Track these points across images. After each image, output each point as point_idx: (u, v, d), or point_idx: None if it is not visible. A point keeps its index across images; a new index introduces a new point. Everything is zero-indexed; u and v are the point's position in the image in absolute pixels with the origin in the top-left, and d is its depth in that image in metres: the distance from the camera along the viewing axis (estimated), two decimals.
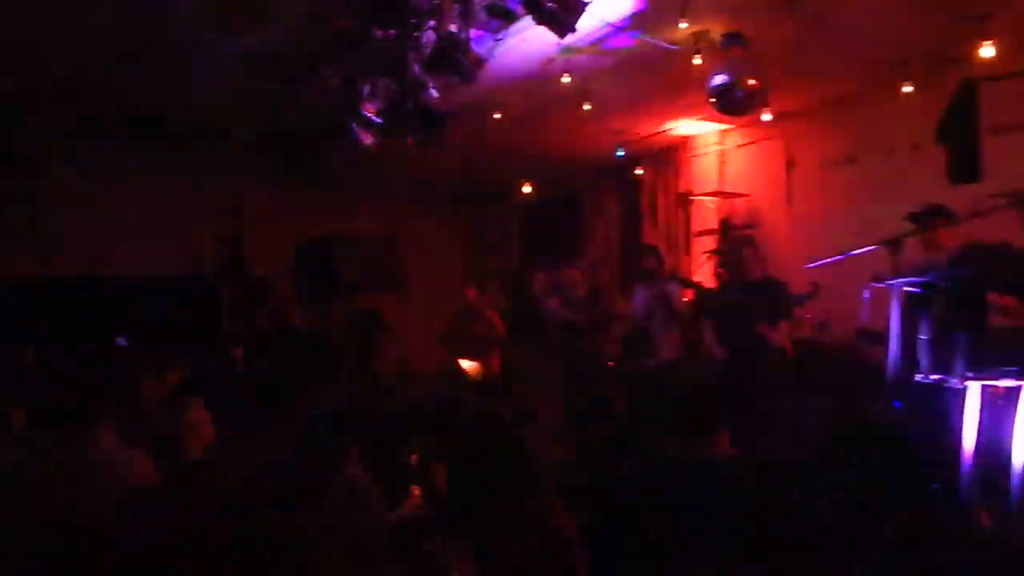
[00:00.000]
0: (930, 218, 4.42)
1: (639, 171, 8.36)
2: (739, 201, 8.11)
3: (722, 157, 8.39)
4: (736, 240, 5.73)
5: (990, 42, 4.88)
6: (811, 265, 5.03)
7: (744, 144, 8.17)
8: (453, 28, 4.49)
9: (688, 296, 6.51)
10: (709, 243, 8.13)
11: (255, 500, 1.47)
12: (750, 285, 5.57)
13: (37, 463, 2.03)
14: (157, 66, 5.71)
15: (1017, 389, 3.42)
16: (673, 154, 8.88)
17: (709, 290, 6.10)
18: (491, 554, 1.77)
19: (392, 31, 4.66)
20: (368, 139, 5.53)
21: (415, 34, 4.65)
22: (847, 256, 4.65)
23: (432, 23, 4.46)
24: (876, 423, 4.36)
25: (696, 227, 8.48)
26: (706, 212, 8.42)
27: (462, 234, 11.45)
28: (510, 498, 2.05)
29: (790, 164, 7.83)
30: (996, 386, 3.57)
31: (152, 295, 8.58)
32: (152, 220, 9.33)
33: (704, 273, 7.74)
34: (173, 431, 3.75)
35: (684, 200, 8.57)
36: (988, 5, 4.76)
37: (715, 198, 8.25)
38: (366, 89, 5.14)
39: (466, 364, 7.15)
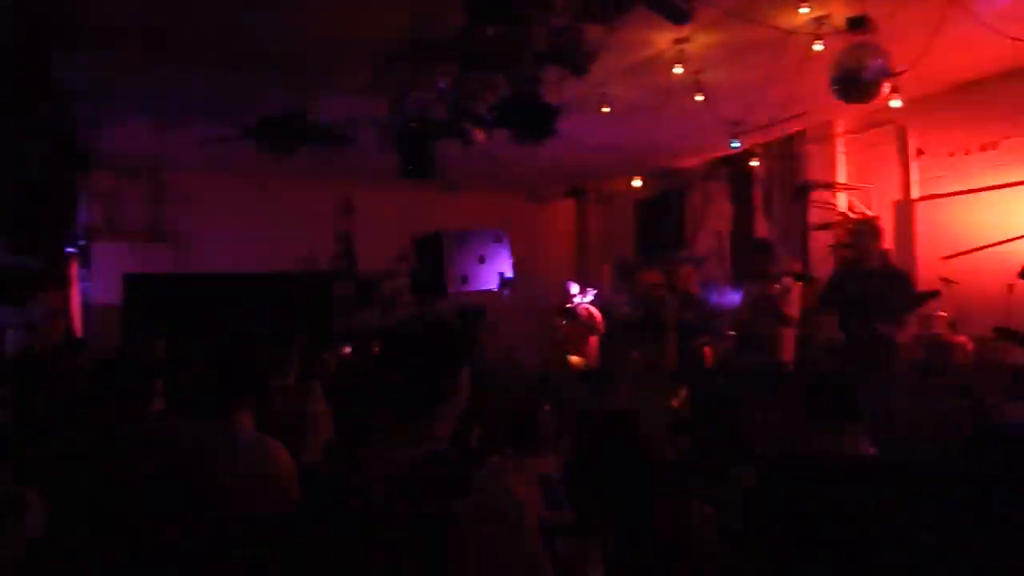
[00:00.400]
0: None
1: (754, 163, 8.07)
2: (861, 193, 7.72)
3: (843, 147, 8.00)
4: (859, 226, 5.38)
5: None
6: (947, 257, 4.70)
7: (866, 132, 7.76)
8: (565, 22, 4.46)
9: (797, 292, 6.19)
10: (827, 237, 7.77)
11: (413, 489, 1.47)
12: (871, 275, 5.26)
13: (185, 447, 2.14)
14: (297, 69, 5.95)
15: None
16: (790, 145, 8.54)
17: (829, 282, 5.80)
18: (621, 555, 1.74)
19: (503, 27, 4.67)
20: (480, 136, 5.58)
21: (527, 29, 4.65)
22: (986, 248, 4.33)
23: (546, 17, 4.45)
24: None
25: (814, 220, 8.12)
26: (825, 205, 8.04)
27: (571, 228, 11.44)
28: (638, 497, 2.00)
29: (918, 152, 7.38)
30: None
31: (267, 290, 8.99)
32: (269, 219, 9.82)
33: (823, 268, 7.40)
34: (299, 423, 3.91)
35: (802, 192, 8.22)
36: None
37: (835, 190, 7.87)
38: (478, 86, 5.19)
39: (572, 358, 7.14)
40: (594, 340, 7.85)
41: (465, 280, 7.41)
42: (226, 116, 6.95)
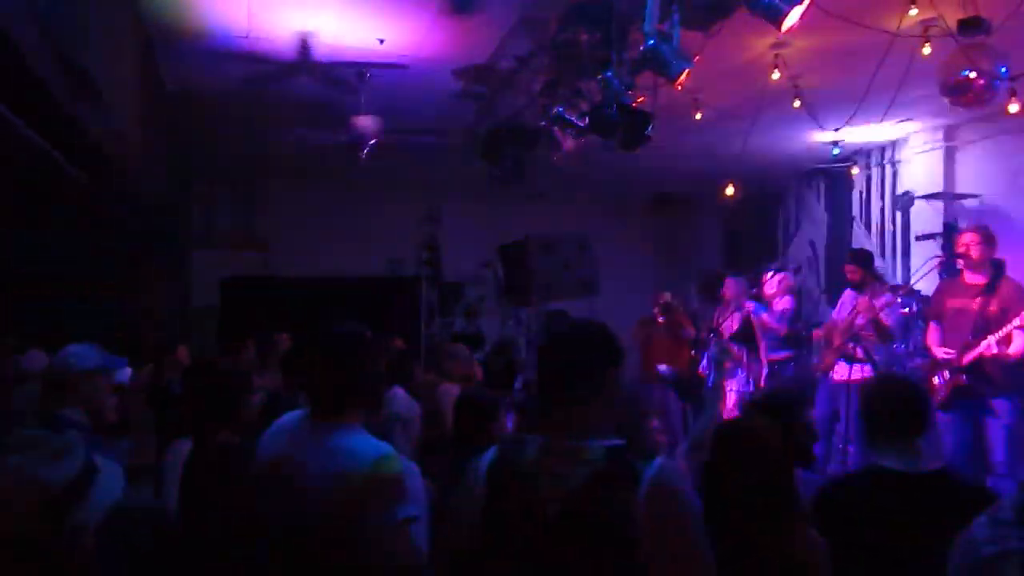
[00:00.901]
0: None
1: (854, 170, 7.79)
2: (969, 203, 7.33)
3: (949, 155, 7.62)
4: (968, 235, 5.10)
5: None
6: None
7: (977, 140, 7.37)
8: (662, 27, 4.40)
9: (881, 307, 5.91)
10: (931, 248, 7.41)
11: None
12: (978, 287, 4.97)
13: (306, 451, 2.17)
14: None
15: None
16: (892, 152, 8.20)
17: (934, 295, 5.52)
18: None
19: (598, 33, 4.66)
20: (568, 143, 5.57)
21: (621, 35, 4.62)
22: None
23: (641, 24, 4.40)
24: None
25: (916, 231, 7.77)
26: (929, 215, 7.68)
27: (659, 236, 11.31)
28: (742, 517, 1.93)
29: None
30: None
31: (356, 294, 9.20)
32: (360, 226, 10.10)
33: (927, 281, 7.06)
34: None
35: (904, 202, 7.87)
36: None
37: (940, 200, 7.50)
38: (567, 92, 5.18)
39: (661, 367, 7.02)
40: (686, 350, 7.71)
41: (550, 288, 7.39)
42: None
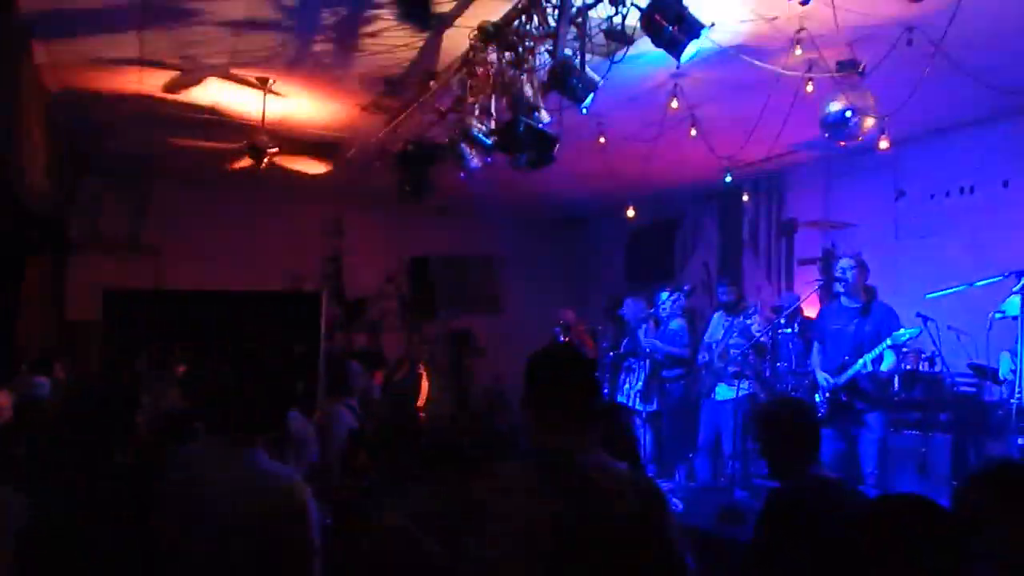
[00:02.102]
0: None
1: (744, 196, 8.23)
2: (845, 230, 7.87)
3: (828, 185, 8.17)
4: (844, 262, 5.52)
5: None
6: (931, 296, 4.82)
7: (850, 172, 7.94)
8: (568, 51, 4.55)
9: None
10: (812, 272, 7.91)
11: None
12: (854, 310, 5.38)
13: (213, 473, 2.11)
14: None
15: None
16: (778, 181, 8.71)
17: (817, 315, 5.91)
18: None
19: (508, 53, 4.76)
20: (477, 160, 5.64)
21: (530, 56, 4.74)
22: (969, 287, 4.45)
23: (547, 45, 4.54)
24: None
25: (799, 255, 8.28)
26: (810, 240, 8.20)
27: (566, 254, 11.46)
28: None
29: (899, 193, 7.56)
30: None
31: (254, 309, 8.86)
32: (257, 239, 9.76)
33: (809, 303, 7.52)
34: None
35: (788, 228, 8.38)
36: None
37: (819, 227, 8.02)
38: (478, 109, 5.26)
39: None
40: None
41: (455, 304, 7.42)
42: None
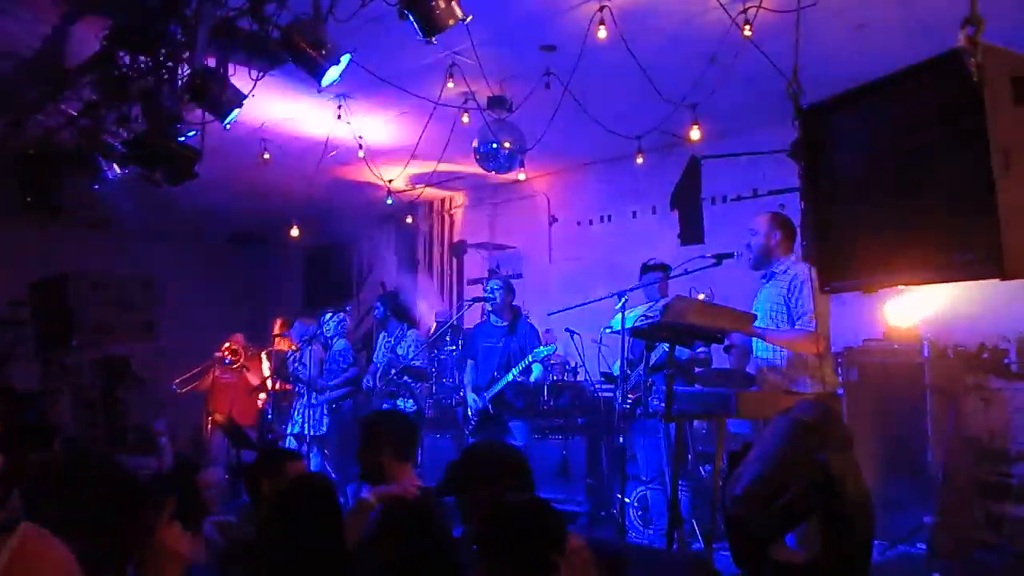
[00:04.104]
0: (653, 271, 5.01)
1: (408, 220, 8.48)
2: (508, 252, 8.50)
3: (492, 210, 8.77)
4: (494, 283, 5.97)
5: (696, 126, 5.63)
6: (552, 313, 5.39)
7: (512, 199, 8.61)
8: (210, 62, 4.33)
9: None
10: (479, 291, 8.40)
11: None
12: (503, 328, 5.83)
13: None
14: None
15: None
16: (448, 205, 9.16)
17: (470, 334, 6.29)
18: None
19: (142, 57, 4.40)
20: (114, 171, 5.14)
21: (169, 63, 4.43)
22: (585, 305, 5.02)
23: (187, 54, 4.28)
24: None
25: (468, 275, 8.77)
26: (478, 262, 8.72)
27: (240, 275, 10.84)
28: None
29: (552, 220, 8.36)
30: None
31: None
32: None
33: (474, 319, 7.97)
34: None
35: (458, 250, 8.84)
36: (695, 96, 5.38)
37: (485, 249, 8.58)
38: (112, 117, 4.79)
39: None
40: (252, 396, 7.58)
41: (100, 330, 6.62)
42: None
